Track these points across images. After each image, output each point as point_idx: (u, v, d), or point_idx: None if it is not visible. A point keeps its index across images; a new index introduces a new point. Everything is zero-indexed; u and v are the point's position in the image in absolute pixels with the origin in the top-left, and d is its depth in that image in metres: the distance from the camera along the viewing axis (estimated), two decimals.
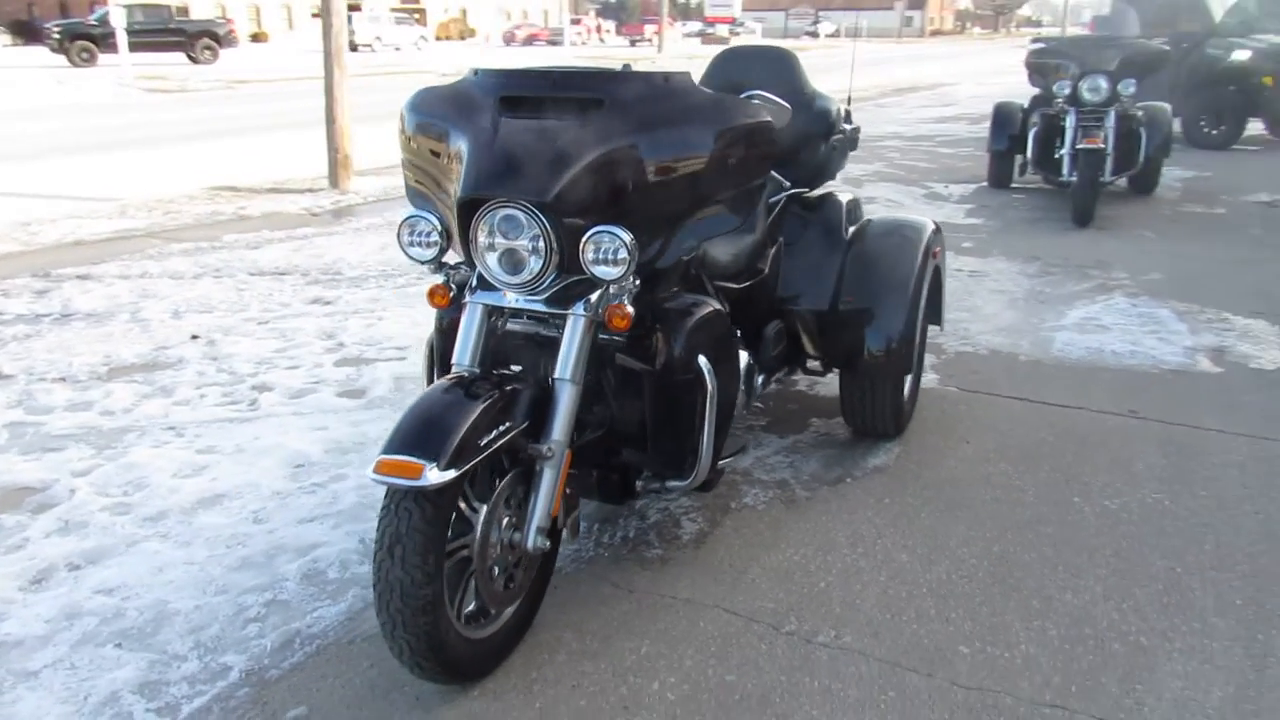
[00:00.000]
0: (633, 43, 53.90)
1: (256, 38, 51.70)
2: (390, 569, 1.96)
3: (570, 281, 2.24)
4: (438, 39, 53.25)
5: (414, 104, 2.58)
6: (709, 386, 2.39)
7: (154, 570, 2.69)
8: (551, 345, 2.34)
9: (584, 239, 2.12)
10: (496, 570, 2.19)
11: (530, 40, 55.20)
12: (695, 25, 59.93)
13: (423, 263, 2.32)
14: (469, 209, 2.20)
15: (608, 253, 2.11)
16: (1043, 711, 2.13)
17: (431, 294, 2.38)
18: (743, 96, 2.61)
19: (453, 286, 2.39)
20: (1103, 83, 6.91)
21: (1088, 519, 2.94)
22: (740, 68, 3.56)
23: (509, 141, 2.21)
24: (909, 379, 3.41)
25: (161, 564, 2.72)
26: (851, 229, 3.38)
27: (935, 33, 78.13)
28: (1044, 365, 4.24)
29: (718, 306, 2.52)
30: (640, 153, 2.21)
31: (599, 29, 58.84)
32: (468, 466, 1.97)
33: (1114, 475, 3.21)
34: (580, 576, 2.65)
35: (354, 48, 44.17)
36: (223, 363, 4.35)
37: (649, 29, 53.55)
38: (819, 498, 3.09)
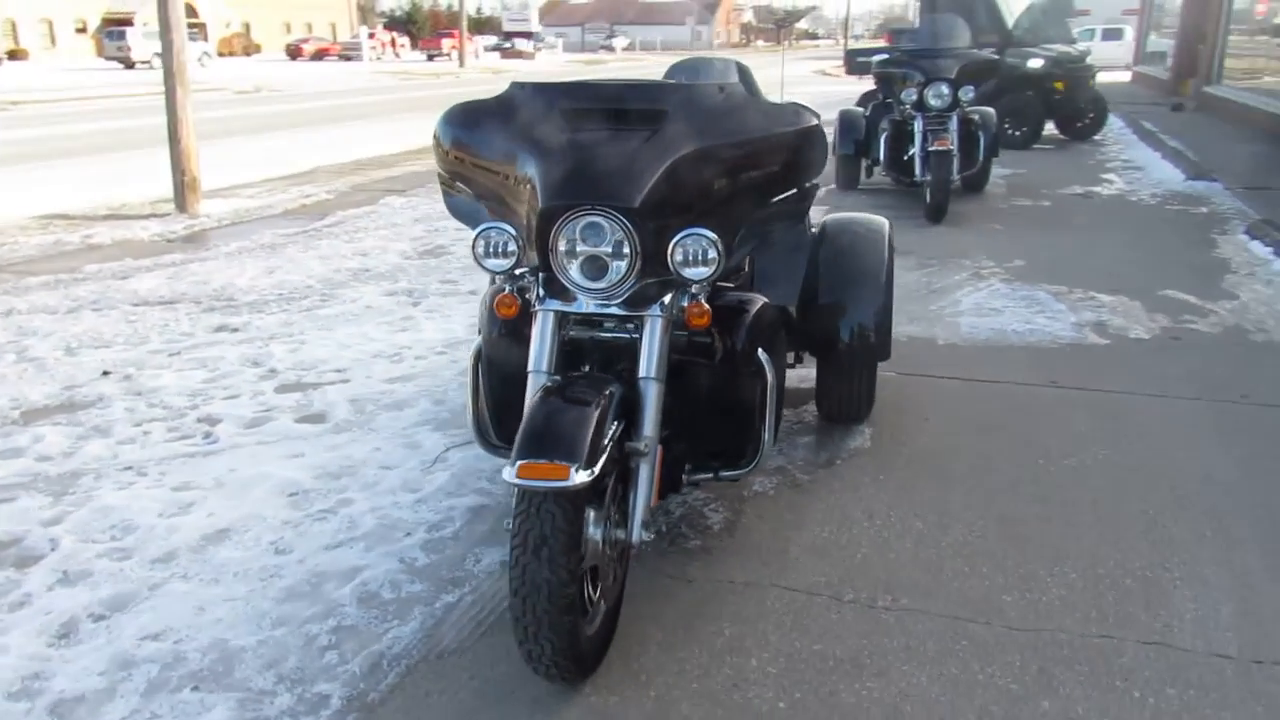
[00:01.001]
0: (430, 57, 53.10)
1: (14, 55, 47.40)
2: (536, 571, 2.00)
3: (645, 285, 2.33)
4: (220, 55, 50.51)
5: (454, 120, 2.61)
6: (769, 378, 2.54)
7: (195, 610, 2.57)
8: (619, 348, 2.43)
9: (673, 242, 2.22)
10: (607, 567, 2.25)
11: (320, 55, 53.34)
12: (493, 40, 59.68)
13: (498, 273, 2.35)
14: (549, 218, 2.25)
15: (697, 254, 2.22)
16: (1094, 642, 2.40)
17: (499, 304, 2.40)
18: (784, 102, 2.77)
19: (519, 296, 2.42)
20: (945, 90, 7.54)
21: (1056, 477, 3.29)
22: (688, 76, 3.72)
23: (586, 152, 2.29)
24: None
25: (199, 604, 2.60)
26: (814, 226, 3.61)
27: (723, 46, 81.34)
28: (961, 347, 4.64)
29: (767, 301, 2.68)
30: (709, 159, 2.34)
31: (394, 43, 57.57)
32: (600, 466, 2.03)
33: (1061, 438, 3.59)
34: (635, 572, 2.73)
35: (130, 65, 41.26)
36: (150, 397, 4.11)
37: (447, 43, 52.89)
38: (820, 480, 3.30)
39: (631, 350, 2.41)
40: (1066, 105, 12.12)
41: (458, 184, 2.72)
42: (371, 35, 55.32)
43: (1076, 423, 3.73)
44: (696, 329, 2.35)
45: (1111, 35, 30.99)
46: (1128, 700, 2.19)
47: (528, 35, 61.36)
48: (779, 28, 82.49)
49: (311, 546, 2.89)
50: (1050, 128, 12.52)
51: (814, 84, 27.50)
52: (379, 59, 52.14)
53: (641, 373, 2.32)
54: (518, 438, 2.06)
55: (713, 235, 2.21)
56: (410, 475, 3.35)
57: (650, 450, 2.28)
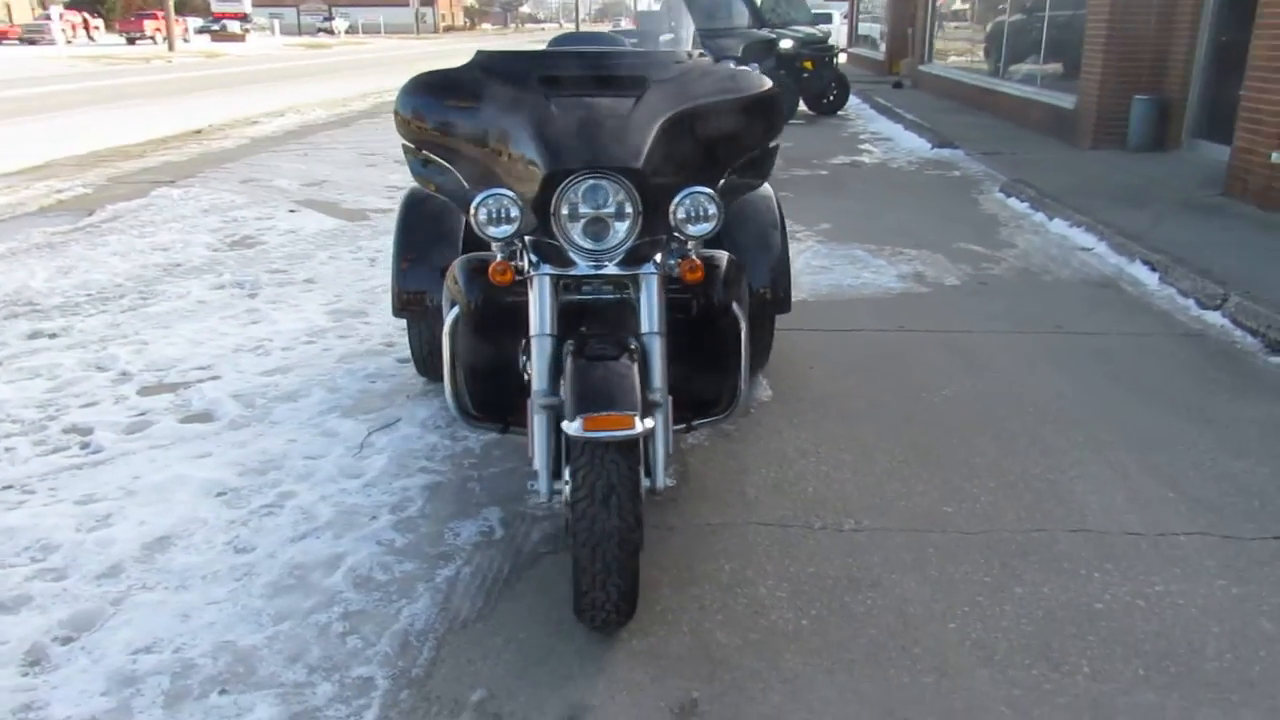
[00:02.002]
0: (131, 40, 48.51)
1: None
2: (605, 519, 2.07)
3: (639, 244, 2.43)
4: None
5: (420, 90, 2.58)
6: (742, 327, 2.72)
7: (179, 618, 2.41)
8: (603, 309, 2.52)
9: (675, 201, 2.34)
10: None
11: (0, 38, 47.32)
12: (199, 22, 55.36)
13: (500, 239, 2.36)
14: (552, 182, 2.30)
15: (698, 211, 2.36)
16: (1033, 536, 2.79)
17: (495, 271, 2.42)
18: (740, 68, 2.92)
19: (513, 263, 2.45)
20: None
21: (940, 407, 3.71)
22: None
23: (578, 117, 2.36)
24: None
25: (179, 611, 2.44)
26: None
27: (449, 29, 79.99)
28: (810, 302, 5.03)
29: (733, 257, 2.84)
30: (692, 120, 2.48)
31: (86, 25, 52.04)
32: (651, 414, 2.13)
33: (928, 374, 4.03)
34: None
35: None
36: None
37: (149, 25, 48.53)
38: (745, 428, 3.52)
39: (617, 310, 2.51)
40: (815, 83, 13.09)
41: (424, 153, 2.68)
42: (60, 16, 49.67)
43: (935, 360, 4.19)
44: (691, 283, 2.48)
45: (820, 19, 33.55)
46: (1078, 578, 2.58)
47: (239, 17, 57.44)
48: (505, 10, 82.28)
49: (274, 541, 2.76)
50: (800, 104, 13.48)
51: None
52: (70, 42, 46.96)
53: (644, 329, 2.42)
54: (570, 395, 2.11)
55: (710, 192, 2.35)
56: (344, 462, 3.24)
57: (664, 401, 2.40)
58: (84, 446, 3.40)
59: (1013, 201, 7.52)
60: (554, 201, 2.32)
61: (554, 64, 2.50)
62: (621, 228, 2.36)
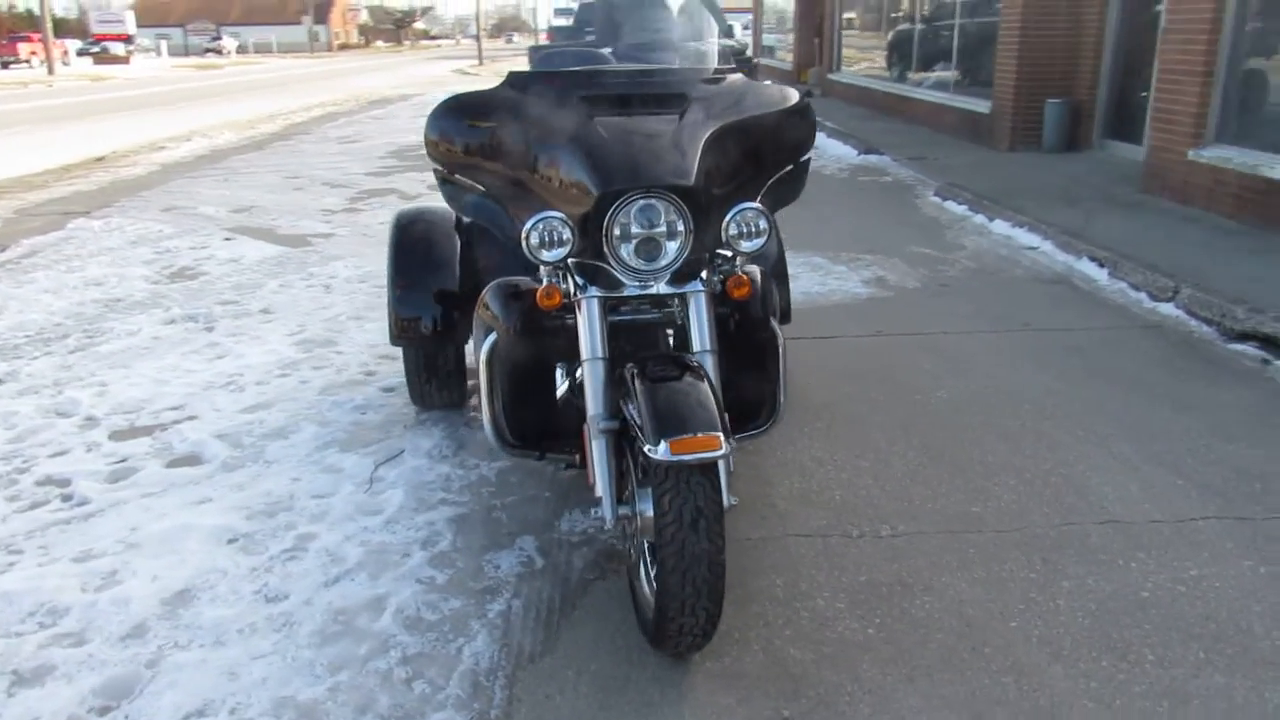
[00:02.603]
0: (5, 64, 46.21)
1: None
2: (694, 543, 2.04)
3: (687, 262, 2.41)
4: None
5: (452, 114, 2.53)
6: (780, 341, 2.72)
7: (226, 676, 2.28)
8: (641, 329, 2.49)
9: (729, 217, 2.33)
10: None
11: None
12: (78, 44, 53.05)
13: (551, 264, 2.32)
14: (605, 204, 2.27)
15: (751, 227, 2.35)
16: (1065, 530, 2.86)
17: (544, 295, 2.37)
18: (770, 84, 2.92)
19: (561, 287, 2.40)
20: None
21: (937, 408, 3.78)
22: (556, 65, 3.77)
23: (627, 137, 2.33)
24: None
25: (225, 669, 2.31)
26: None
27: (343, 47, 78.56)
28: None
29: (765, 271, 2.84)
30: (732, 137, 2.47)
31: None
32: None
33: (918, 376, 4.11)
34: None
35: None
36: None
37: (24, 48, 46.31)
38: (756, 439, 3.52)
39: (652, 330, 2.49)
40: None
41: (457, 177, 2.61)
42: None
43: (920, 363, 4.27)
44: (741, 299, 2.47)
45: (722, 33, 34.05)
46: (1118, 569, 2.65)
47: (122, 38, 55.29)
48: (399, 27, 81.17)
49: (307, 587, 2.64)
50: None
51: (463, 84, 27.51)
52: None
53: (696, 347, 2.40)
54: (646, 419, 2.07)
55: (760, 208, 2.35)
56: (357, 499, 3.13)
57: (724, 418, 2.37)
58: (66, 499, 3.20)
59: (950, 204, 7.73)
60: (606, 223, 2.28)
61: (594, 83, 2.46)
62: (673, 246, 2.33)
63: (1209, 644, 2.33)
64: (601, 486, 2.31)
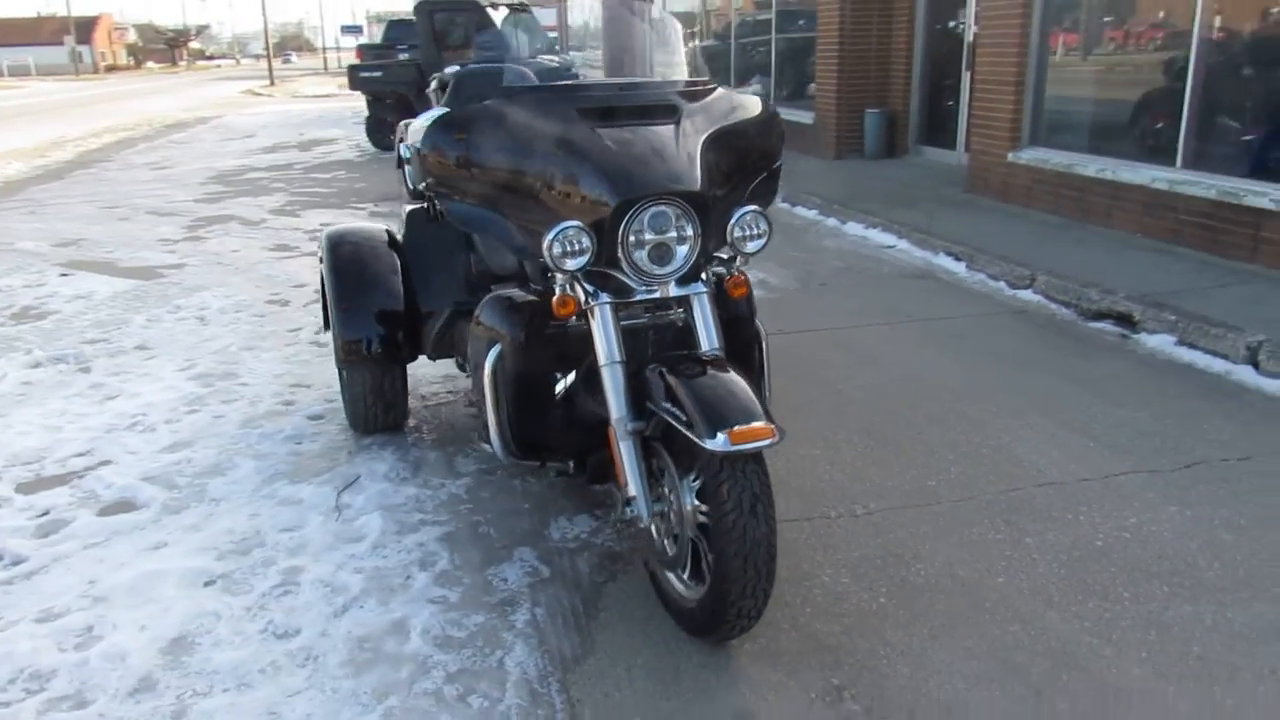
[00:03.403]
0: None
1: None
2: (755, 528, 2.14)
3: (693, 264, 2.51)
4: None
5: (449, 128, 2.53)
6: (764, 338, 2.87)
7: (267, 717, 2.19)
8: (635, 332, 2.57)
9: (733, 220, 2.46)
10: None
11: None
12: None
13: (573, 272, 2.37)
14: (621, 212, 2.34)
15: (753, 228, 2.49)
16: (1013, 495, 3.15)
17: (559, 304, 2.42)
18: (747, 93, 3.03)
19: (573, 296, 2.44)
20: None
21: (862, 397, 4.04)
22: (486, 85, 3.79)
23: (634, 146, 2.41)
24: None
25: (263, 710, 2.21)
26: None
27: (111, 69, 73.19)
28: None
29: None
30: (721, 143, 2.59)
31: None
32: None
33: (832, 368, 4.37)
34: None
35: None
36: None
37: None
38: None
39: (660, 331, 2.58)
40: None
41: (454, 193, 2.60)
42: None
43: (829, 356, 4.54)
44: (740, 298, 2.60)
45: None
46: (1069, 523, 2.96)
47: None
48: (172, 47, 76.46)
49: (315, 619, 2.56)
50: None
51: (258, 104, 26.36)
52: None
53: (705, 346, 2.49)
54: (696, 414, 2.14)
55: (760, 210, 2.49)
56: (332, 528, 3.04)
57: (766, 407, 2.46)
58: (13, 562, 2.93)
59: (800, 209, 8.17)
60: (621, 230, 2.35)
61: (589, 96, 2.52)
62: (682, 250, 2.43)
63: (1168, 579, 2.65)
64: (635, 486, 2.38)
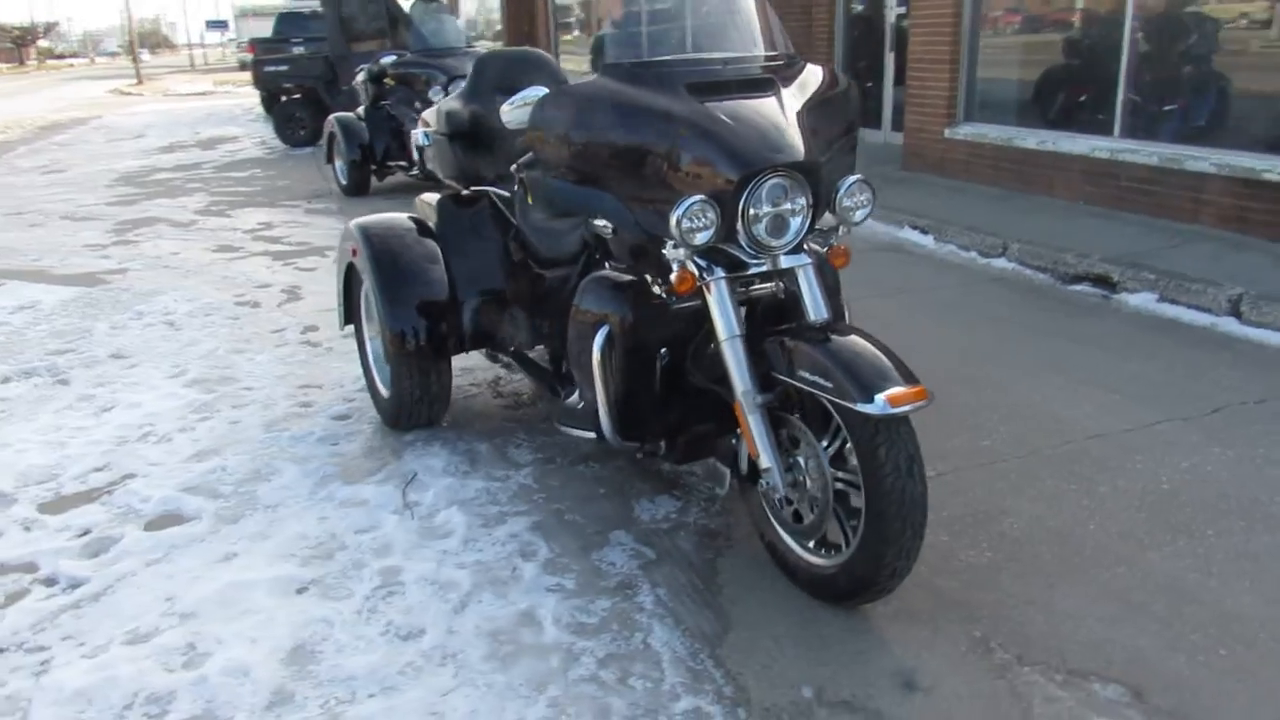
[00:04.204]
0: None
1: None
2: (912, 488, 2.18)
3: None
4: None
5: (558, 105, 2.49)
6: (848, 313, 2.90)
7: (430, 718, 2.12)
8: (744, 305, 2.59)
9: (841, 190, 2.49)
10: None
11: None
12: None
13: (701, 247, 2.36)
14: (743, 184, 2.34)
15: (859, 197, 2.52)
16: (1066, 448, 3.28)
17: (680, 280, 2.41)
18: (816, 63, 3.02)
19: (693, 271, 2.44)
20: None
21: None
22: (506, 69, 3.74)
23: (748, 119, 2.41)
24: None
25: (423, 711, 2.15)
26: None
27: None
28: None
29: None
30: (816, 114, 2.61)
31: None
32: None
33: None
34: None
35: None
36: None
37: None
38: None
39: (770, 302, 2.59)
40: None
41: (563, 170, 2.56)
42: None
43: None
44: (841, 268, 2.63)
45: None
46: (1130, 470, 3.11)
47: None
48: (19, 46, 71.78)
49: (436, 616, 2.48)
50: None
51: (132, 104, 25.06)
52: None
53: (813, 315, 2.51)
54: (847, 380, 2.16)
55: (864, 179, 2.53)
56: (412, 526, 2.95)
57: None
58: (50, 584, 2.76)
59: None
60: (742, 203, 2.35)
61: (694, 71, 2.51)
62: (795, 222, 2.44)
63: (1240, 514, 2.82)
64: (768, 457, 2.39)
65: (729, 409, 2.65)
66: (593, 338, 2.59)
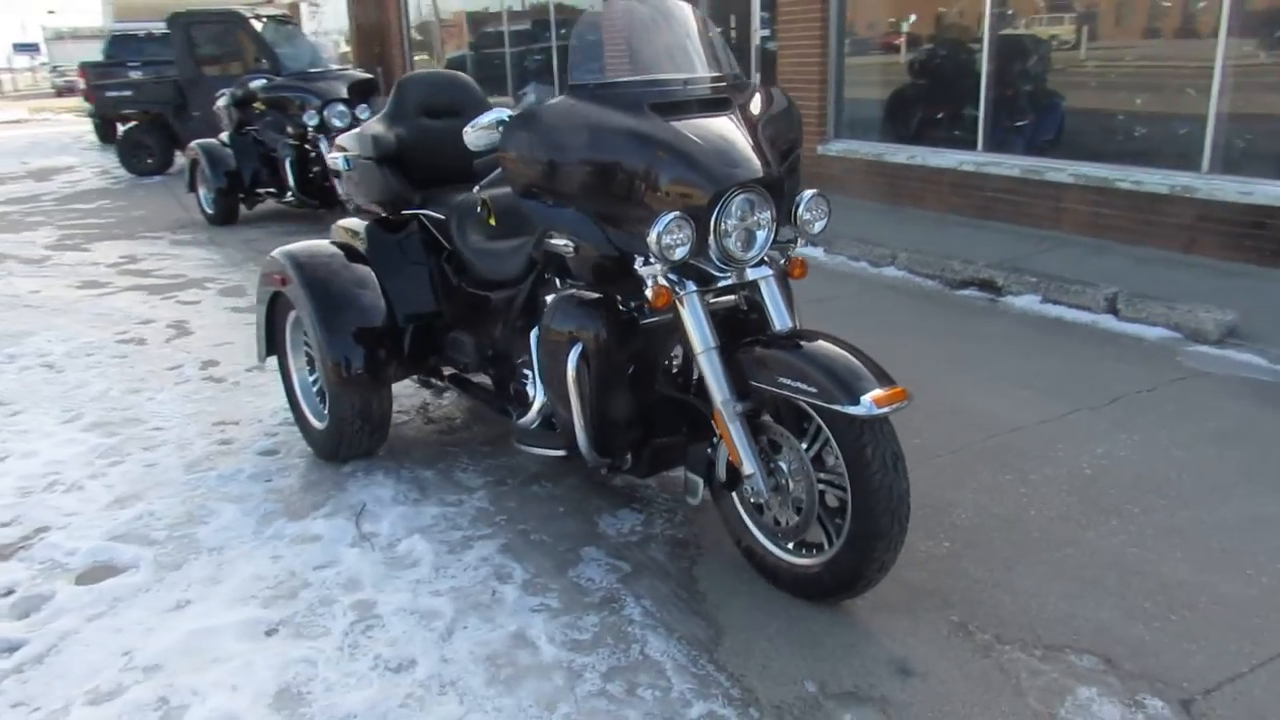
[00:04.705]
0: None
1: None
2: (897, 483, 2.29)
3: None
4: None
5: (526, 126, 2.50)
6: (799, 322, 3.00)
7: None
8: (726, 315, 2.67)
9: (801, 203, 2.60)
10: None
11: None
12: None
13: (678, 262, 2.41)
14: (715, 200, 2.42)
15: (816, 210, 2.64)
16: (992, 442, 3.49)
17: (658, 296, 2.46)
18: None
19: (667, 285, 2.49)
20: (345, 109, 7.78)
21: None
22: (429, 92, 3.71)
23: (715, 137, 2.49)
24: None
25: None
26: None
27: None
28: None
29: None
30: (769, 131, 2.71)
31: None
32: None
33: None
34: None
35: None
36: None
37: None
38: None
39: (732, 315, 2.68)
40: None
41: (537, 192, 2.55)
42: None
43: None
44: (799, 278, 2.73)
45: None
46: (1055, 458, 3.33)
47: None
48: None
49: (422, 646, 2.43)
50: None
51: None
52: None
53: (778, 325, 2.61)
54: (830, 384, 2.25)
55: (821, 192, 2.65)
56: (373, 558, 2.87)
57: None
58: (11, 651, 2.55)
59: None
60: (714, 218, 2.42)
61: (657, 91, 2.55)
62: (760, 235, 2.53)
63: (1158, 493, 3.07)
64: (751, 464, 2.46)
65: (692, 420, 2.72)
66: (566, 356, 2.60)
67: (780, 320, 2.61)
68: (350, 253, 3.48)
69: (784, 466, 2.49)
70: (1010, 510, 2.98)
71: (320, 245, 3.50)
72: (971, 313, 5.10)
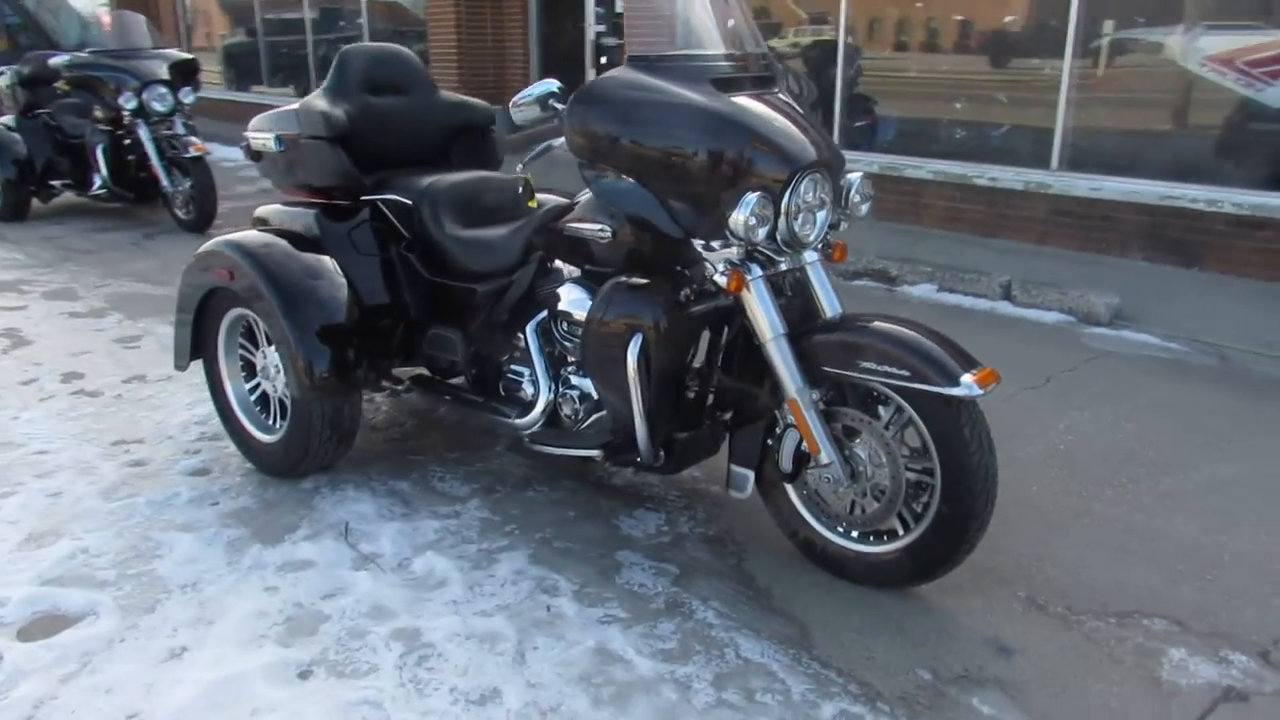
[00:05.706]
0: None
1: None
2: (991, 463, 2.29)
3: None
4: None
5: (593, 100, 2.33)
6: None
7: None
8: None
9: (854, 185, 2.55)
10: None
11: None
12: None
13: (756, 244, 2.31)
14: (789, 181, 2.33)
15: (865, 192, 2.60)
16: None
17: (734, 279, 2.35)
18: None
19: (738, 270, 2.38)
20: (166, 91, 7.04)
21: None
22: (372, 66, 3.40)
23: (779, 117, 2.40)
24: None
25: None
26: None
27: None
28: None
29: None
30: (809, 112, 2.65)
31: None
32: None
33: None
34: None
35: None
36: None
37: None
38: None
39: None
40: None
41: (603, 167, 2.35)
42: None
43: None
44: (840, 261, 2.69)
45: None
46: (1024, 436, 3.48)
47: None
48: None
49: (502, 673, 2.19)
50: None
51: None
52: None
53: (829, 312, 2.56)
54: (929, 366, 2.22)
55: (866, 174, 2.62)
56: (389, 580, 2.57)
57: None
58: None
59: None
60: (787, 198, 2.33)
61: (714, 67, 2.42)
62: (822, 215, 2.46)
63: (1133, 463, 3.26)
64: (829, 453, 2.39)
65: (730, 412, 2.62)
66: (625, 348, 2.42)
67: (830, 305, 2.56)
68: (305, 243, 3.10)
69: (860, 454, 2.43)
70: (1013, 489, 3.07)
71: (265, 235, 3.10)
72: (874, 301, 5.25)
